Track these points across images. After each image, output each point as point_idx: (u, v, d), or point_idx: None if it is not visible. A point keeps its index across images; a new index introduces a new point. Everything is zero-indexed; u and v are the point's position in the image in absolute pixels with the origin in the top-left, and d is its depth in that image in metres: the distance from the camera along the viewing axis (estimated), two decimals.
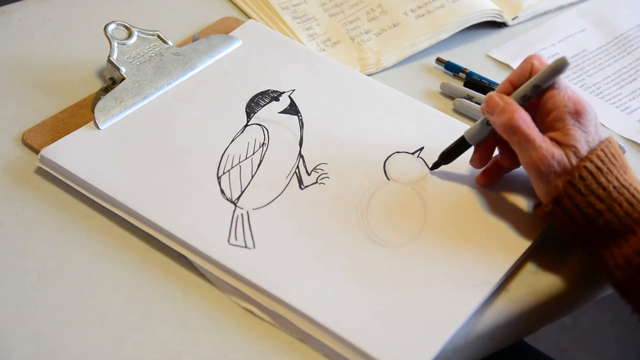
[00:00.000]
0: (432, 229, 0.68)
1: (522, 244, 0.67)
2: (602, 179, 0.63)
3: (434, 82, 0.86)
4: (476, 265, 0.66)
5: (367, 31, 0.90)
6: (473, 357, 0.67)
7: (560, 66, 0.65)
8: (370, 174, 0.72)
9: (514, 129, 0.65)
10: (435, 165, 0.72)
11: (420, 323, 0.62)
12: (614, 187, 0.63)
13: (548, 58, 0.75)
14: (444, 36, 0.90)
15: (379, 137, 0.76)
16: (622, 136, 0.82)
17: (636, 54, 0.92)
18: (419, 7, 0.92)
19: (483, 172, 0.71)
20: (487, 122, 0.69)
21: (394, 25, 0.90)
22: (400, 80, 0.86)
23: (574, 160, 0.64)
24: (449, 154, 0.72)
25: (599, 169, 0.64)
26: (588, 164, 0.63)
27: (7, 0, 0.93)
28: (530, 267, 0.68)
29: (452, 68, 0.87)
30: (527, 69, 0.68)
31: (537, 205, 0.67)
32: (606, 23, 0.96)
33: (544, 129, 0.67)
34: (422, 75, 0.87)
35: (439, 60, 0.88)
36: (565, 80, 0.67)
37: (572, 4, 0.98)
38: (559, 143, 0.65)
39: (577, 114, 0.65)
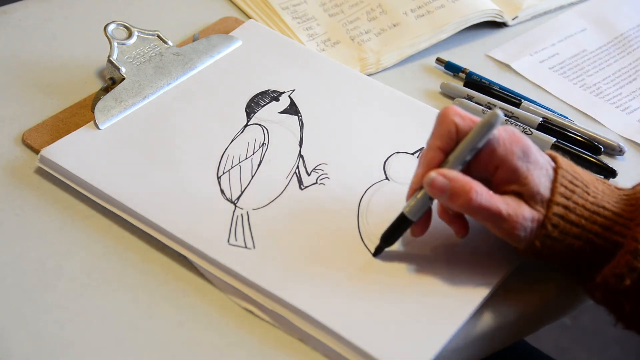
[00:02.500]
0: (432, 229, 0.68)
1: None
2: (573, 217, 0.61)
3: (434, 82, 0.86)
4: (476, 266, 0.65)
5: (367, 31, 0.90)
6: (473, 357, 0.67)
7: (493, 121, 0.60)
8: (370, 174, 0.72)
9: (476, 209, 0.60)
10: (378, 250, 0.66)
11: (420, 323, 0.62)
12: (585, 218, 0.61)
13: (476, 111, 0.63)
14: (444, 36, 0.90)
15: (379, 137, 0.76)
16: (622, 136, 0.82)
17: (636, 54, 0.92)
18: (419, 7, 0.92)
19: (457, 230, 0.65)
20: (428, 197, 0.63)
21: (394, 25, 0.90)
22: (400, 80, 0.86)
23: (542, 208, 0.61)
24: (391, 235, 0.65)
25: (566, 207, 0.61)
26: (555, 209, 0.61)
27: (7, 0, 0.93)
28: (530, 267, 0.68)
29: (452, 68, 0.87)
30: (452, 130, 0.62)
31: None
32: (606, 23, 0.96)
33: (494, 182, 0.62)
34: (422, 75, 0.87)
35: (439, 60, 0.88)
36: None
37: (572, 4, 0.98)
38: (520, 194, 0.61)
39: (526, 155, 0.61)
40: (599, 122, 0.84)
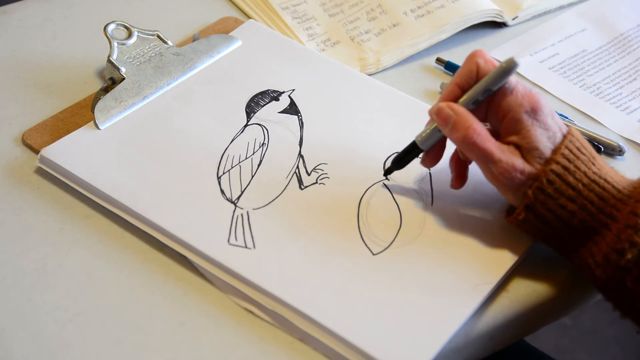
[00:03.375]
0: (432, 229, 0.68)
1: (523, 244, 0.67)
2: (571, 179, 0.62)
3: (434, 82, 0.86)
4: (476, 265, 0.66)
5: (367, 31, 0.90)
6: (473, 357, 0.67)
7: (510, 67, 0.63)
8: (370, 174, 0.72)
9: (470, 145, 0.64)
10: (389, 171, 0.71)
11: (420, 323, 0.62)
12: (583, 184, 0.62)
13: (504, 57, 0.70)
14: (444, 36, 0.90)
15: (379, 137, 0.76)
16: (622, 136, 0.82)
17: (636, 54, 0.92)
18: (419, 7, 0.92)
19: (455, 178, 0.69)
20: (438, 129, 0.67)
21: (394, 25, 0.90)
22: (400, 80, 0.86)
23: (538, 164, 0.63)
24: (401, 159, 0.70)
25: (566, 168, 0.63)
26: (554, 167, 0.62)
27: (7, 0, 0.93)
28: (530, 267, 0.68)
29: (452, 68, 0.87)
30: (473, 70, 0.65)
31: (509, 212, 0.67)
32: (606, 23, 0.96)
33: (500, 132, 0.66)
34: (422, 75, 0.87)
35: (439, 60, 0.88)
36: (514, 76, 0.65)
37: (572, 4, 0.98)
38: (519, 147, 0.64)
39: (534, 112, 0.64)
40: (599, 122, 0.84)
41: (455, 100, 0.66)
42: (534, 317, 0.68)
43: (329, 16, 0.93)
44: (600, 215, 0.62)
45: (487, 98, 0.65)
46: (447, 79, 0.87)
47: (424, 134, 0.68)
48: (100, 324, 0.63)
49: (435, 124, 0.67)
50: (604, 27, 0.95)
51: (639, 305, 0.62)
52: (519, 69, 0.88)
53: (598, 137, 0.80)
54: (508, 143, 0.64)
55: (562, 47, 0.92)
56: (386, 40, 0.89)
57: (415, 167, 0.73)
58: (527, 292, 0.67)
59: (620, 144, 0.79)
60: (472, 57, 0.66)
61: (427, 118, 0.69)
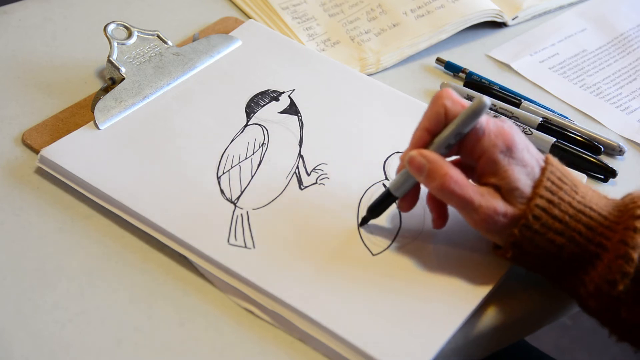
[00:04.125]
0: (431, 229, 0.68)
1: None
2: (556, 211, 0.60)
3: (434, 82, 0.86)
4: (476, 265, 0.65)
5: (367, 31, 0.90)
6: (473, 357, 0.67)
7: (479, 108, 0.61)
8: (370, 174, 0.72)
9: (448, 194, 0.61)
10: (364, 220, 0.68)
11: (420, 323, 0.62)
12: (570, 215, 0.61)
13: (464, 99, 0.63)
14: (444, 36, 0.90)
15: (379, 137, 0.76)
16: (622, 136, 0.82)
17: (636, 54, 0.92)
18: (419, 7, 0.92)
19: (437, 218, 0.66)
20: (411, 175, 0.64)
21: (394, 25, 0.90)
22: (400, 80, 0.86)
23: (521, 204, 0.61)
24: (376, 208, 0.67)
25: (550, 201, 0.61)
26: (539, 201, 0.60)
27: (7, 0, 0.93)
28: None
29: (452, 68, 0.87)
30: (441, 112, 0.62)
31: (497, 247, 0.64)
32: (606, 23, 0.96)
33: (477, 173, 0.63)
34: (422, 75, 0.87)
35: (439, 60, 0.88)
36: (484, 116, 0.62)
37: (572, 4, 0.98)
38: (499, 187, 0.61)
39: (509, 150, 0.61)
40: (599, 122, 0.84)
41: (426, 145, 0.63)
42: (534, 317, 0.68)
43: (329, 16, 0.93)
44: (589, 245, 0.61)
45: (458, 140, 0.63)
46: (447, 79, 0.87)
47: (397, 182, 0.65)
48: (100, 324, 0.63)
49: (405, 170, 0.64)
50: (604, 27, 0.95)
51: (636, 332, 0.62)
52: (519, 69, 0.88)
53: (598, 137, 0.80)
54: (486, 184, 0.62)
55: (562, 47, 0.92)
56: (386, 40, 0.89)
57: None
58: (527, 292, 0.67)
59: (620, 144, 0.79)
60: (438, 99, 0.63)
61: None
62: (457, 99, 0.63)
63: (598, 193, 0.63)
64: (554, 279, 0.64)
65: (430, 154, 0.62)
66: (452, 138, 0.62)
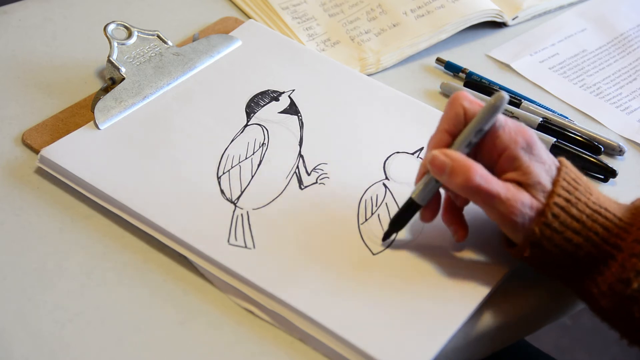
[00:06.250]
0: (432, 229, 0.68)
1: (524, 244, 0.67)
2: (574, 211, 0.60)
3: (434, 82, 0.86)
4: (477, 265, 0.65)
5: (367, 31, 0.90)
6: (473, 357, 0.67)
7: (499, 103, 0.61)
8: (370, 174, 0.72)
9: (474, 189, 0.60)
10: (387, 235, 0.66)
11: (420, 323, 0.62)
12: (587, 215, 0.61)
13: (481, 100, 0.64)
14: (444, 36, 0.90)
15: (379, 137, 0.76)
16: (622, 136, 0.82)
17: (636, 54, 0.92)
18: (419, 7, 0.92)
19: (459, 230, 0.66)
20: (435, 180, 0.63)
21: (394, 25, 0.90)
22: (400, 80, 0.86)
23: (542, 198, 0.61)
24: (399, 220, 0.66)
25: (568, 200, 0.61)
26: (557, 199, 0.60)
27: (7, 0, 0.93)
28: (530, 267, 0.68)
29: (452, 68, 0.87)
30: (460, 113, 0.63)
31: (509, 242, 0.64)
32: (606, 23, 0.96)
33: (497, 170, 0.63)
34: (422, 75, 0.87)
35: (439, 60, 0.88)
36: (501, 115, 0.63)
37: (572, 4, 0.98)
38: (520, 184, 0.61)
39: (529, 147, 0.62)
40: (599, 122, 0.84)
41: (446, 147, 0.63)
42: (534, 317, 0.68)
43: (329, 16, 0.93)
44: (604, 245, 0.61)
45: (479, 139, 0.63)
46: (447, 79, 0.87)
47: (420, 189, 0.64)
48: (100, 324, 0.63)
49: (429, 175, 0.64)
50: (604, 27, 0.95)
51: None
52: (519, 69, 0.88)
53: (598, 137, 0.80)
54: (508, 180, 0.62)
55: (562, 47, 0.92)
56: (386, 40, 0.89)
57: (415, 167, 0.73)
58: (527, 292, 0.67)
59: (620, 144, 0.79)
60: (455, 101, 0.63)
61: (428, 118, 0.69)
62: (474, 99, 0.64)
63: (609, 197, 0.64)
64: (566, 280, 0.64)
65: (452, 152, 0.62)
66: (473, 135, 0.62)
